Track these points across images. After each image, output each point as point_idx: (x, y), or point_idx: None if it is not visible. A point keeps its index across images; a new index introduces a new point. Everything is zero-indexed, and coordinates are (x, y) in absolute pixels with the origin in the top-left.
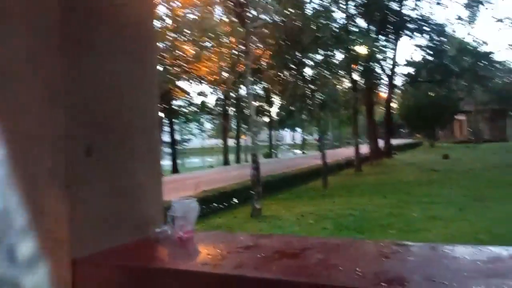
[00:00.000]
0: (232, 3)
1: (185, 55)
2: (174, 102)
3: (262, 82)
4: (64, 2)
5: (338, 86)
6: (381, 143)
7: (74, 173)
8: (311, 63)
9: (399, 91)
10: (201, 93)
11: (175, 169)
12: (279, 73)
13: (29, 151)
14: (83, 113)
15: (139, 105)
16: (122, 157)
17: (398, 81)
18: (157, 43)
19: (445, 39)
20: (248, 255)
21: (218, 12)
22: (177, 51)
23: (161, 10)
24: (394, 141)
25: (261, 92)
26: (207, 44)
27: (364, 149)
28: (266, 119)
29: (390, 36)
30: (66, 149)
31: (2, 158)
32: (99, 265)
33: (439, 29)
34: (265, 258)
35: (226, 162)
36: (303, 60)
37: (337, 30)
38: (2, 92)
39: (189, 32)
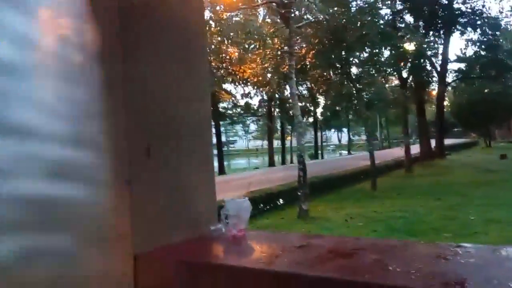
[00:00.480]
0: (275, 4)
1: (229, 58)
2: (219, 104)
3: (307, 82)
4: (123, 13)
5: (385, 85)
6: (432, 143)
7: (135, 173)
8: (357, 61)
9: (450, 88)
10: (245, 95)
11: (221, 171)
12: (323, 73)
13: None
14: (142, 117)
15: (192, 109)
16: (177, 158)
17: (450, 77)
18: (207, 48)
19: (499, 33)
20: (302, 254)
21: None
22: (222, 54)
23: (206, 14)
24: (447, 141)
25: (305, 92)
26: (251, 46)
27: (415, 149)
28: (311, 120)
29: (439, 31)
30: (128, 150)
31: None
32: (158, 260)
33: (493, 23)
34: (318, 257)
35: (271, 164)
36: (348, 58)
37: (383, 27)
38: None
39: (233, 34)
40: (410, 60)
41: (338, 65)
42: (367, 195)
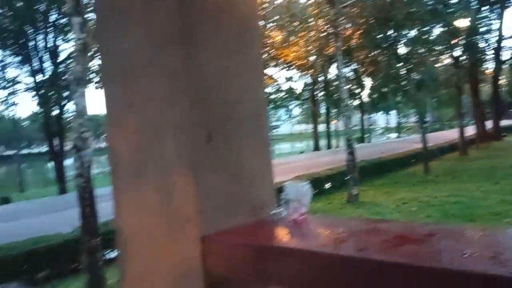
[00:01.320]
0: None
1: (272, 42)
2: None
3: (352, 64)
4: (183, 8)
5: (436, 64)
6: (488, 124)
7: (198, 158)
8: (405, 40)
9: (506, 66)
10: (289, 79)
11: None
12: (370, 53)
13: (156, 137)
14: (203, 102)
15: (249, 93)
16: (236, 142)
17: (506, 55)
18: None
19: None
20: (369, 239)
21: None
22: (265, 38)
23: None
24: (503, 122)
25: (350, 74)
26: (295, 28)
27: (469, 131)
28: (357, 103)
29: (493, 6)
30: (191, 135)
31: (134, 146)
32: (224, 242)
33: None
34: (387, 242)
35: (316, 148)
36: (396, 38)
37: (433, 3)
38: (131, 85)
39: (276, 17)
40: (462, 37)
41: (385, 45)
42: (420, 179)
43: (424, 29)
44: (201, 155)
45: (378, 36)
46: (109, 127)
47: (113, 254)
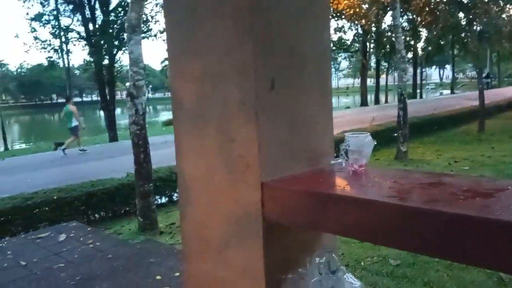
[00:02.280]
0: None
1: None
2: None
3: (408, 14)
4: None
5: (502, 14)
6: None
7: (261, 105)
8: None
9: None
10: (338, 29)
11: None
12: (429, 2)
13: (220, 83)
14: (267, 49)
15: (313, 40)
16: (298, 91)
17: None
18: None
19: None
20: (436, 192)
21: None
22: None
23: None
24: None
25: (405, 24)
26: None
27: None
28: (410, 55)
29: None
30: (254, 81)
31: (197, 92)
32: (283, 188)
33: None
34: (455, 195)
35: (363, 103)
36: None
37: None
38: (195, 30)
39: None
40: None
41: None
42: (473, 138)
43: None
44: (264, 102)
45: None
46: (172, 73)
47: (163, 200)
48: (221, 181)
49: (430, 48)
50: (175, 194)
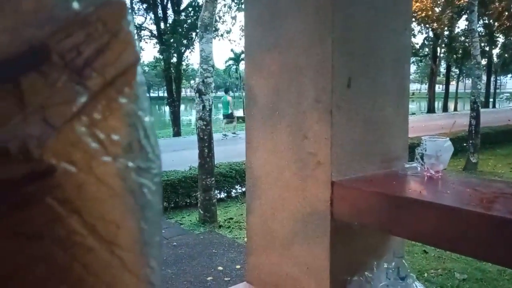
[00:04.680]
0: None
1: None
2: None
3: (485, 18)
4: None
5: None
6: None
7: (336, 103)
8: None
9: None
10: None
11: None
12: (510, 5)
13: (295, 80)
14: (346, 46)
15: (393, 40)
16: (375, 90)
17: None
18: None
19: None
20: None
21: None
22: None
23: None
24: None
25: (481, 29)
26: None
27: None
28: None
29: None
30: (330, 79)
31: (272, 87)
32: (354, 188)
33: None
34: None
35: (430, 110)
36: None
37: None
38: (275, 26)
39: None
40: None
41: None
42: None
43: None
44: (339, 101)
45: None
46: (248, 69)
47: (222, 195)
48: (291, 177)
49: (506, 55)
50: (234, 190)
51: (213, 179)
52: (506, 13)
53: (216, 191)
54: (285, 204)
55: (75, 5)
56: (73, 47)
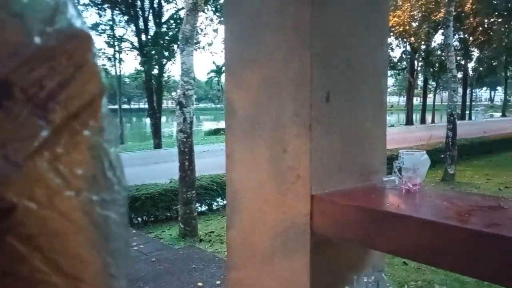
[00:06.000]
0: None
1: None
2: None
3: (460, 33)
4: None
5: None
6: None
7: (315, 117)
8: None
9: None
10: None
11: None
12: (484, 21)
13: (275, 94)
14: (325, 61)
15: (371, 54)
16: (353, 104)
17: None
18: None
19: None
20: (497, 215)
21: None
22: None
23: None
24: None
25: (456, 43)
26: None
27: None
28: (460, 75)
29: None
30: (309, 93)
31: (252, 101)
32: (333, 202)
33: None
34: None
35: (408, 122)
36: None
37: None
38: (255, 41)
39: None
40: None
41: (503, 12)
42: None
43: None
44: (318, 115)
45: (495, 2)
46: (228, 82)
47: (203, 208)
48: (271, 191)
49: (481, 68)
50: (215, 203)
51: (194, 192)
52: (480, 28)
53: (197, 204)
54: (265, 218)
55: (39, 39)
56: (36, 81)
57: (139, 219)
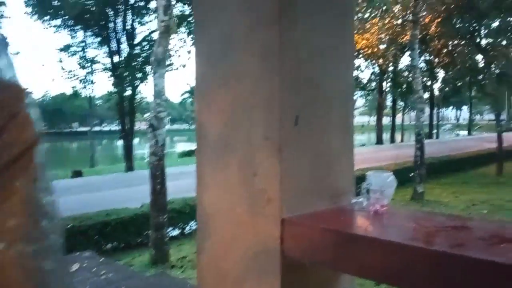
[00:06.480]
0: None
1: None
2: None
3: (425, 55)
4: None
5: None
6: None
7: (285, 140)
8: (488, 31)
9: None
10: (356, 67)
11: None
12: (448, 43)
13: (245, 117)
14: (293, 83)
15: (338, 76)
16: (322, 126)
17: None
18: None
19: None
20: (462, 236)
21: None
22: None
23: None
24: None
25: (422, 65)
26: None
27: None
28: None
29: None
30: (279, 115)
31: (222, 124)
32: (304, 225)
33: None
34: (483, 240)
35: (379, 141)
36: (478, 27)
37: None
38: (224, 63)
39: None
40: None
41: (465, 35)
42: (492, 181)
43: (510, 19)
44: (288, 137)
45: (459, 25)
46: (199, 104)
47: (175, 232)
48: (242, 215)
49: (447, 89)
50: (188, 227)
51: (165, 216)
52: (445, 50)
53: (170, 228)
54: (237, 243)
55: None
56: None
57: (109, 245)
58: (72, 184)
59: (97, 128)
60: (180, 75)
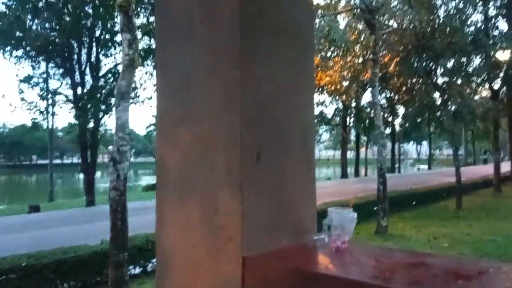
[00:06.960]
0: (360, 10)
1: None
2: None
3: (386, 92)
4: (244, 19)
5: (474, 96)
6: None
7: (246, 177)
8: (443, 70)
9: None
10: (320, 103)
11: None
12: (406, 81)
13: (206, 153)
14: (255, 121)
15: (298, 114)
16: (284, 162)
17: None
18: (314, 55)
19: None
20: (419, 273)
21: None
22: None
23: None
24: None
25: (383, 101)
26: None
27: (505, 167)
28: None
29: None
30: (240, 153)
31: (183, 160)
32: (265, 264)
33: None
34: (438, 277)
35: (344, 175)
36: (434, 67)
37: (475, 34)
38: (186, 99)
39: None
40: (503, 70)
41: (423, 74)
42: (452, 215)
43: (464, 59)
44: (249, 174)
45: (416, 64)
46: (160, 139)
47: (137, 270)
48: (202, 254)
49: (407, 124)
50: (150, 265)
51: (126, 253)
52: (404, 88)
53: (131, 266)
54: (197, 282)
55: None
56: None
57: (65, 285)
58: (29, 220)
59: (58, 161)
60: (146, 108)
